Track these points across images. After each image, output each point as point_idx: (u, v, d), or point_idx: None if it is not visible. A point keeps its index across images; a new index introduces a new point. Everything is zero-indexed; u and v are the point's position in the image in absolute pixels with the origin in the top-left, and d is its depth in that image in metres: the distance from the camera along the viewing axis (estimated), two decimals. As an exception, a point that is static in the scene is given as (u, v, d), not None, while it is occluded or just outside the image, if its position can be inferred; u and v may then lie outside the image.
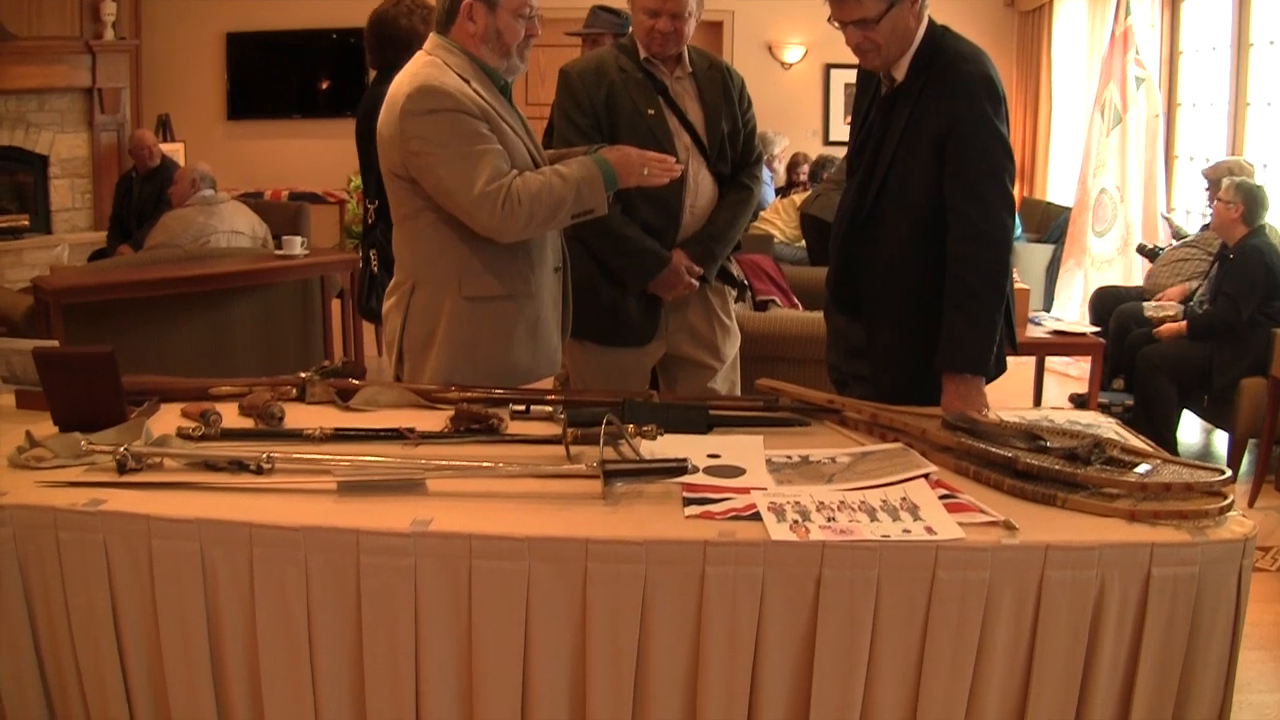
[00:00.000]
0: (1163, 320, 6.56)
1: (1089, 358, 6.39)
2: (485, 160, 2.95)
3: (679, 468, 2.33)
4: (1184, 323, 6.38)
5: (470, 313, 3.10)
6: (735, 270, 3.89)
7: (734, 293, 3.90)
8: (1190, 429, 6.91)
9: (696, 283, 3.63)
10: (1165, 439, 5.99)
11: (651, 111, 3.55)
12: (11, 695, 2.25)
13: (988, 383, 2.99)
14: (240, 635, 2.20)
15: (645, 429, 2.57)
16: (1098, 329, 6.71)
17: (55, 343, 3.80)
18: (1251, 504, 5.57)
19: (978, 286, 2.92)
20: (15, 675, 2.25)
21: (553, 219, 3.04)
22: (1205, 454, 6.67)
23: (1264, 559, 4.87)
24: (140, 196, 8.60)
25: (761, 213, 8.21)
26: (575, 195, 3.02)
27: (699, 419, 2.74)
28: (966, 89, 2.96)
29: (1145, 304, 6.92)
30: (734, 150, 3.71)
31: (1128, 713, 2.19)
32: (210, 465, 2.43)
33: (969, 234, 2.92)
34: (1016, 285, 3.95)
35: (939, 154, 2.96)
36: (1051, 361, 7.50)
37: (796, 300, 6.07)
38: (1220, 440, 6.70)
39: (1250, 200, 6.20)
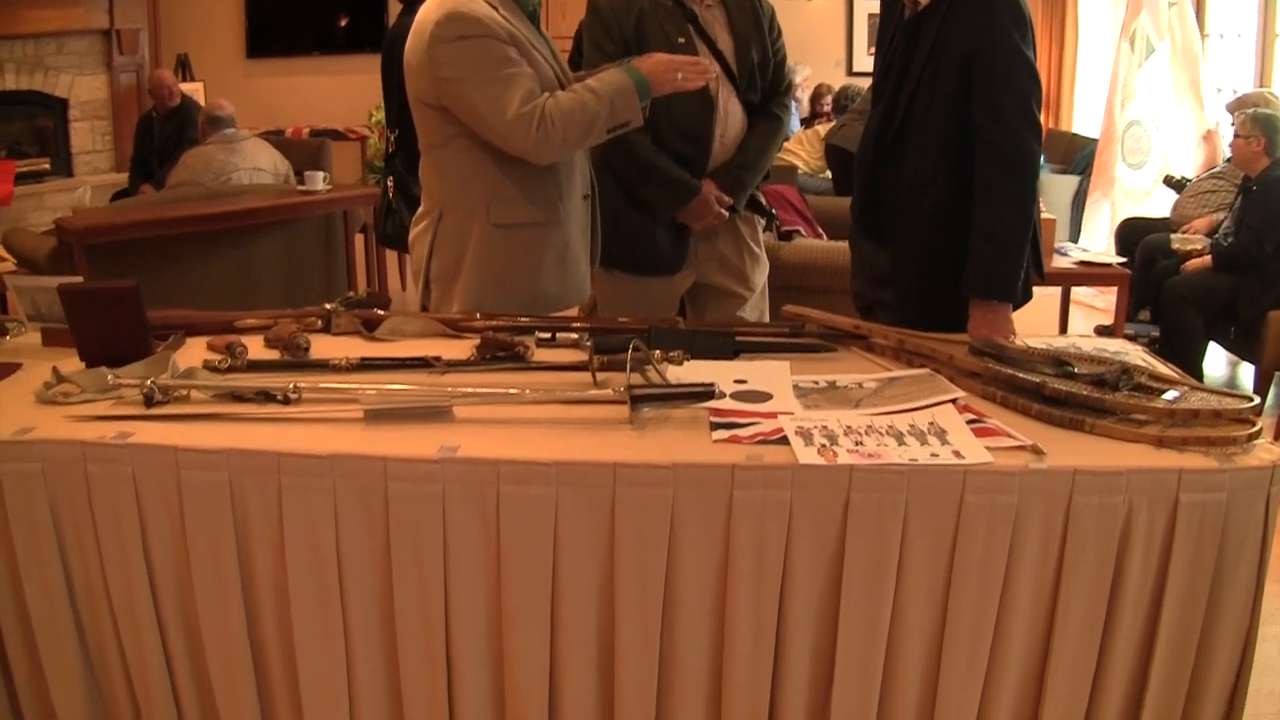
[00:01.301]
0: (1189, 253, 6.53)
1: (1115, 289, 6.37)
2: (517, 83, 2.94)
3: (706, 392, 2.32)
4: (1209, 256, 6.34)
5: (499, 240, 3.10)
6: (763, 200, 3.87)
7: (763, 222, 3.88)
8: (1216, 361, 6.88)
9: (726, 212, 3.61)
10: (1191, 370, 5.95)
11: (681, 40, 3.52)
12: (44, 629, 2.27)
13: (1014, 309, 2.97)
14: (270, 563, 2.21)
15: (671, 355, 2.56)
16: (1124, 260, 6.67)
17: (80, 279, 3.80)
18: (1277, 436, 5.55)
19: (1004, 212, 2.90)
20: (48, 609, 2.26)
21: (588, 135, 3.03)
22: (1231, 386, 6.61)
23: (1290, 493, 4.84)
24: (161, 136, 8.59)
25: (785, 144, 8.17)
26: (609, 109, 3.00)
27: (725, 345, 2.74)
28: (990, 11, 2.92)
29: (1172, 235, 6.88)
30: (763, 79, 3.67)
31: (1154, 638, 2.18)
32: (237, 396, 2.43)
33: (995, 158, 2.90)
34: (1043, 215, 3.93)
35: (964, 77, 2.93)
36: (1077, 293, 7.46)
37: (821, 230, 6.05)
38: (1246, 373, 6.67)
39: (1270, 131, 6.14)
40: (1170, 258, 6.67)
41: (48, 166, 10.11)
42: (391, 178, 5.28)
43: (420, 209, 3.23)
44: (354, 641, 2.23)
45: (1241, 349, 6.31)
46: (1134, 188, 8.44)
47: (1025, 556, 2.13)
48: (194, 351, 2.75)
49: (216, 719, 2.33)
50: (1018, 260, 2.91)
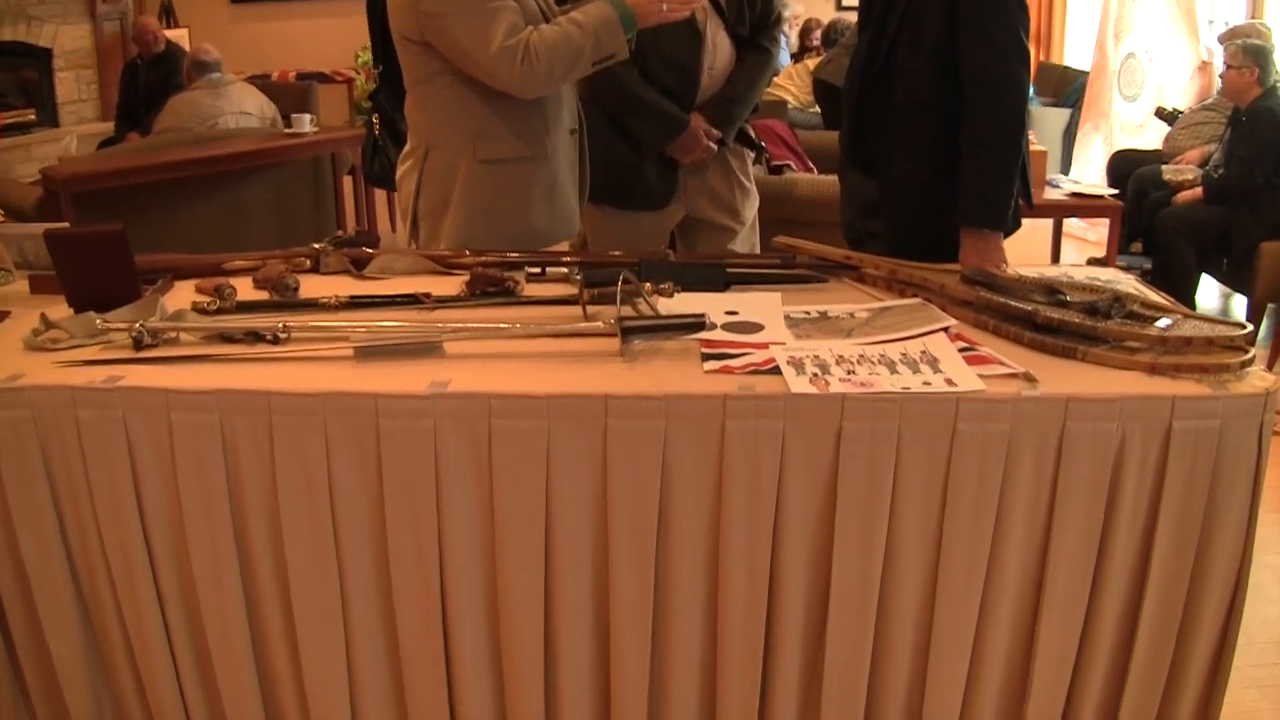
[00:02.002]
0: (1181, 184, 6.51)
1: (1107, 221, 6.35)
2: (500, 16, 2.91)
3: (697, 323, 2.31)
4: (1200, 187, 6.33)
5: (486, 176, 3.08)
6: (752, 133, 3.85)
7: (752, 155, 3.86)
8: (1209, 293, 6.88)
9: (715, 146, 3.60)
10: (1184, 302, 5.93)
11: None
12: (38, 574, 2.27)
13: (1005, 237, 2.96)
14: (262, 503, 2.20)
15: (662, 287, 2.56)
16: (1115, 192, 6.65)
17: (66, 225, 3.79)
18: (1270, 368, 5.55)
19: (993, 139, 2.88)
20: (41, 554, 2.26)
21: (574, 69, 3.00)
22: (1224, 318, 6.63)
23: (1281, 424, 4.87)
24: (146, 83, 8.54)
25: (774, 79, 8.14)
26: (594, 42, 2.97)
27: (716, 277, 2.72)
28: None
29: (1164, 167, 6.86)
30: (752, 12, 3.65)
31: (1148, 564, 2.19)
32: (226, 337, 2.42)
33: (982, 85, 2.87)
34: (1034, 147, 3.91)
35: (950, 4, 2.91)
36: (1069, 225, 7.46)
37: (811, 164, 6.02)
38: (1239, 305, 6.67)
39: (1263, 61, 6.12)
40: (1162, 189, 6.65)
41: (33, 117, 10.04)
42: (377, 115, 5.24)
43: (406, 146, 3.21)
44: (348, 578, 2.23)
45: (1234, 281, 6.31)
46: (1129, 120, 8.41)
47: (1019, 484, 2.13)
48: (182, 294, 2.73)
49: (210, 660, 2.33)
50: (1008, 188, 2.90)
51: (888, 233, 3.13)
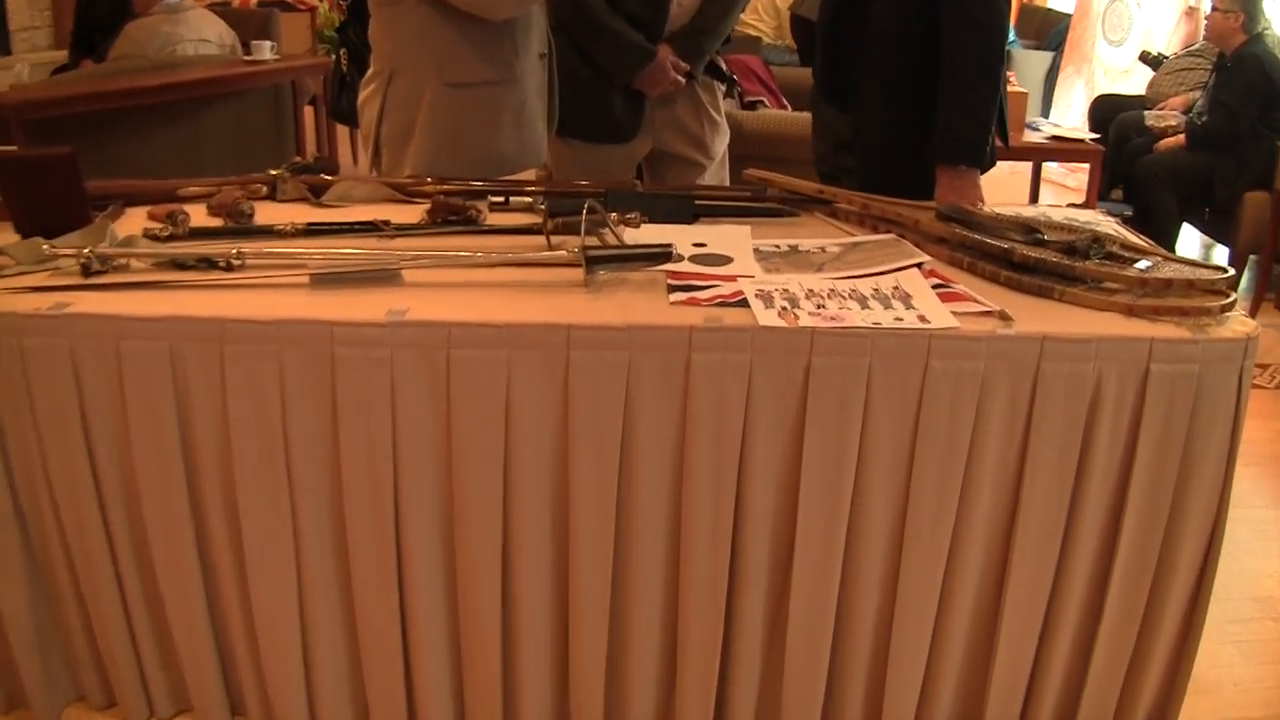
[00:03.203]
0: (1164, 130, 6.51)
1: (1087, 166, 6.34)
2: None
3: (663, 253, 2.30)
4: (1184, 134, 6.33)
5: (452, 100, 3.04)
6: (723, 65, 3.82)
7: (723, 88, 3.83)
8: (1189, 243, 6.89)
9: (683, 79, 3.57)
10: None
11: None
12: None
13: (982, 174, 2.95)
14: (213, 434, 2.18)
15: (629, 217, 2.54)
16: (1096, 137, 6.65)
17: (14, 148, 3.73)
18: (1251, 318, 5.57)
19: (972, 73, 2.86)
20: None
21: None
22: (1204, 266, 6.65)
23: (1261, 376, 4.89)
24: (102, 9, 8.41)
25: (746, 14, 8.09)
26: None
27: (684, 208, 2.71)
28: None
29: (1147, 113, 6.86)
30: None
31: (1122, 510, 2.20)
32: (178, 264, 2.39)
33: (961, 19, 2.85)
34: (1013, 88, 3.88)
35: None
36: (1049, 170, 7.47)
37: (786, 101, 6.01)
38: (1220, 256, 6.69)
39: (1250, 7, 6.11)
40: (1144, 136, 6.65)
41: (-16, 44, 9.92)
42: (345, 49, 5.18)
43: (370, 71, 3.17)
44: (300, 511, 2.21)
45: (1216, 231, 6.32)
46: (1113, 64, 8.41)
47: (991, 424, 2.13)
48: (134, 221, 2.70)
49: (161, 600, 2.32)
50: (986, 124, 2.88)
51: (860, 168, 3.11)
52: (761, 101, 5.81)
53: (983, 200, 2.88)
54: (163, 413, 2.16)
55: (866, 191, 2.83)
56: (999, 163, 3.10)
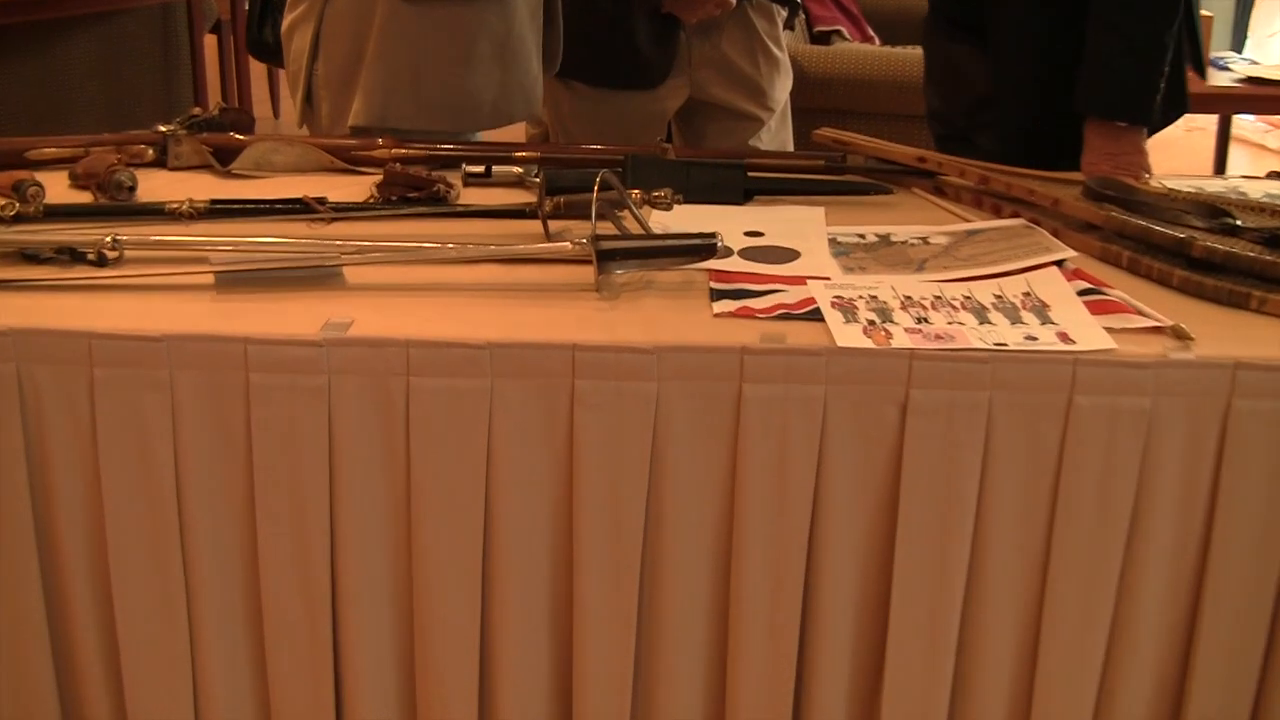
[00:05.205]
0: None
1: (1296, 120, 6.36)
2: None
3: (705, 246, 2.31)
4: None
5: (411, 21, 3.07)
6: (785, -19, 3.85)
7: (784, 13, 3.85)
8: None
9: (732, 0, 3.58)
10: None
11: None
12: None
13: (1152, 133, 2.95)
14: (77, 491, 2.18)
15: (657, 195, 2.55)
16: (1312, 79, 6.65)
17: None
18: None
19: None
20: None
21: None
22: None
23: None
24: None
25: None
26: None
27: (734, 182, 2.73)
28: None
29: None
30: None
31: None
32: (30, 256, 2.41)
33: None
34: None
35: None
36: (1240, 125, 7.45)
37: (873, 33, 6.03)
38: None
39: None
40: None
41: None
42: (270, -39, 5.22)
43: (300, -15, 3.19)
44: (197, 596, 2.21)
45: None
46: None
47: (1163, 483, 2.12)
48: (-35, 195, 2.73)
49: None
50: (1156, 65, 2.89)
51: (999, 124, 3.10)
52: (838, 31, 5.83)
53: (1149, 170, 2.88)
54: (6, 461, 2.17)
55: (1009, 158, 2.83)
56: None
